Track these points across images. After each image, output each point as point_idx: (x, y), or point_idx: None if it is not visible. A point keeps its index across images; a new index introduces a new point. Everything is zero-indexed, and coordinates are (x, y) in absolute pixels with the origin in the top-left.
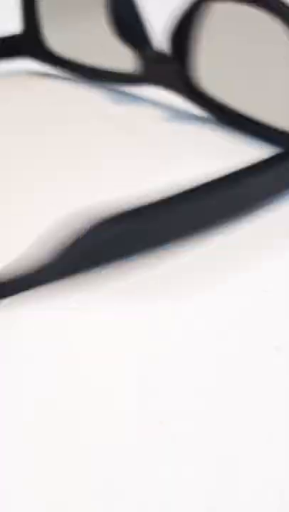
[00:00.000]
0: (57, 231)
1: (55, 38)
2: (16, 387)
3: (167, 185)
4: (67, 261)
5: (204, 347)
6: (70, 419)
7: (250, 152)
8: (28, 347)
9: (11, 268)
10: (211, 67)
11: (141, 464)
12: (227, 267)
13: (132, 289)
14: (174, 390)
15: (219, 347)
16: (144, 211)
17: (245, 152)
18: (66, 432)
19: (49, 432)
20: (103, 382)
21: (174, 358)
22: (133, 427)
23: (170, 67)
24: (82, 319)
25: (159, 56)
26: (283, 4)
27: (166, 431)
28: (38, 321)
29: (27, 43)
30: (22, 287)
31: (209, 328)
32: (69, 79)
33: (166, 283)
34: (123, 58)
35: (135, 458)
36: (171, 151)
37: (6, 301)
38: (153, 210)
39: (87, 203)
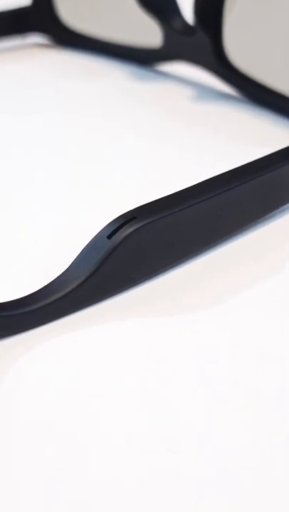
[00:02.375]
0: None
1: (69, 11)
2: (24, 411)
3: (198, 173)
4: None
5: (216, 372)
6: (74, 446)
7: (282, 134)
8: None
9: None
10: (243, 40)
11: (148, 495)
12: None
13: (138, 307)
14: (183, 416)
15: (232, 373)
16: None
17: (276, 135)
18: (70, 459)
19: (53, 458)
20: (109, 408)
21: (185, 383)
22: (139, 454)
23: (199, 40)
24: (87, 341)
25: (187, 28)
26: None
27: (175, 459)
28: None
29: (38, 17)
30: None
31: (222, 353)
32: (84, 55)
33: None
34: (146, 32)
35: (142, 489)
36: (199, 132)
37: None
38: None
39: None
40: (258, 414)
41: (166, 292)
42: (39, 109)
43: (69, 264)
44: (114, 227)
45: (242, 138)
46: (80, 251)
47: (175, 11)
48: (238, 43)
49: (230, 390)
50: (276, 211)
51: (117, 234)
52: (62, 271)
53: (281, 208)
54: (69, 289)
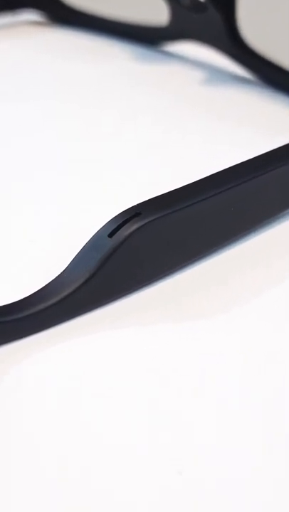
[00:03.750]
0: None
1: None
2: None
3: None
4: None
5: (226, 384)
6: (81, 468)
7: None
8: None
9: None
10: (259, 17)
11: None
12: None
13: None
14: (193, 437)
15: (244, 384)
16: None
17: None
18: (77, 482)
19: (60, 481)
20: (111, 425)
21: (193, 396)
22: (148, 477)
23: (210, 18)
24: (85, 351)
25: (197, 4)
26: None
27: (185, 482)
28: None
29: None
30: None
31: (233, 364)
32: (82, 34)
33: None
34: (151, 8)
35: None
36: (210, 119)
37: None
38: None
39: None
40: (272, 430)
41: (173, 297)
42: (32, 95)
43: (66, 266)
44: (116, 224)
45: (257, 125)
46: (78, 251)
47: None
48: (253, 21)
49: (241, 403)
50: None
51: (119, 232)
52: (59, 273)
53: None
54: (66, 293)
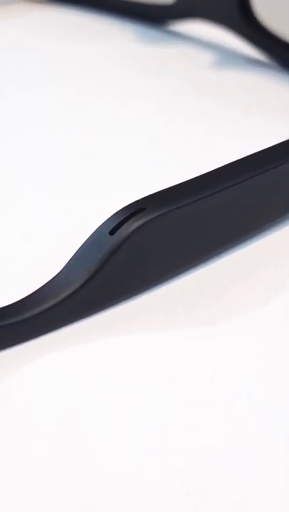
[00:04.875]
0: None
1: None
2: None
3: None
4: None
5: (236, 403)
6: (84, 488)
7: None
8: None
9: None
10: None
11: None
12: None
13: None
14: (201, 457)
15: (253, 403)
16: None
17: None
18: (81, 504)
19: (63, 503)
20: (118, 446)
21: (203, 415)
22: (155, 499)
23: None
24: (85, 359)
25: None
26: None
27: (193, 504)
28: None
29: None
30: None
31: (247, 373)
32: (83, 13)
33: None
34: None
35: None
36: (221, 105)
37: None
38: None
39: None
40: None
41: (181, 300)
42: (26, 79)
43: (62, 266)
44: (118, 220)
45: (272, 113)
46: (77, 249)
47: None
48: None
49: (254, 417)
50: None
51: (121, 229)
52: (55, 274)
53: None
54: (62, 296)
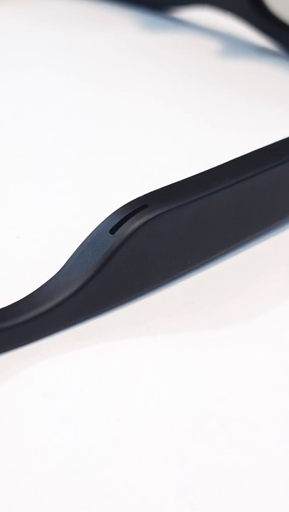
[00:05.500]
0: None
1: None
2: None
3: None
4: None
5: (238, 416)
6: (90, 500)
7: None
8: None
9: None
10: None
11: None
12: None
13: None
14: (206, 468)
15: (257, 418)
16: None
17: None
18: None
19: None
20: (117, 453)
21: (206, 428)
22: (159, 510)
23: None
24: (85, 365)
25: None
26: None
27: None
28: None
29: None
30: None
31: (261, 382)
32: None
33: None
34: None
35: None
36: (228, 96)
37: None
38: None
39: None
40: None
41: (184, 303)
42: (28, 67)
43: (61, 267)
44: (119, 218)
45: (282, 103)
46: (76, 249)
47: None
48: None
49: (262, 425)
50: None
51: (122, 227)
52: (53, 274)
53: None
54: (61, 297)
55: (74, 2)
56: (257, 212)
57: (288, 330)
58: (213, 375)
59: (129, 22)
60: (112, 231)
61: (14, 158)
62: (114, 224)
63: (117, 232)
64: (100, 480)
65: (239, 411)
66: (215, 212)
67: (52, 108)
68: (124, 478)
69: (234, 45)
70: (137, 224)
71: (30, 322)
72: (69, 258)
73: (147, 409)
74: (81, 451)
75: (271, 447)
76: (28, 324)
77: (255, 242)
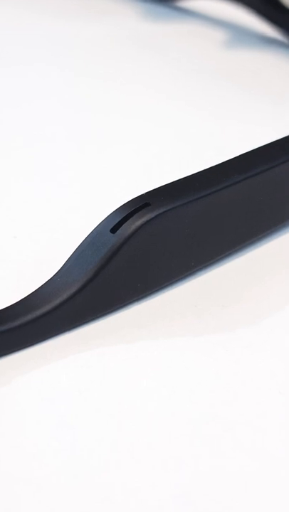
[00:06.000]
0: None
1: None
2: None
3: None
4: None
5: (243, 425)
6: (88, 505)
7: None
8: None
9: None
10: None
11: None
12: None
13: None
14: (209, 473)
15: (261, 426)
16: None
17: None
18: None
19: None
20: (121, 462)
21: (210, 436)
22: None
23: None
24: (84, 370)
25: None
26: None
27: None
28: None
29: None
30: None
31: (266, 392)
32: None
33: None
34: None
35: None
36: (234, 88)
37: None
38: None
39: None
40: None
41: (188, 305)
42: (27, 60)
43: (59, 268)
44: (120, 217)
45: None
46: (75, 249)
47: None
48: None
49: (266, 432)
50: None
51: (124, 226)
52: (51, 275)
53: None
54: (60, 299)
55: None
56: (266, 210)
57: None
58: (218, 380)
59: (131, 11)
60: (113, 230)
61: (13, 151)
62: (115, 223)
63: (118, 232)
64: (99, 484)
65: (244, 415)
66: (222, 210)
67: (51, 101)
68: (123, 483)
69: (240, 35)
70: (139, 223)
71: (26, 326)
72: (68, 259)
73: (149, 415)
74: (80, 456)
75: (276, 452)
76: (25, 328)
77: (261, 242)
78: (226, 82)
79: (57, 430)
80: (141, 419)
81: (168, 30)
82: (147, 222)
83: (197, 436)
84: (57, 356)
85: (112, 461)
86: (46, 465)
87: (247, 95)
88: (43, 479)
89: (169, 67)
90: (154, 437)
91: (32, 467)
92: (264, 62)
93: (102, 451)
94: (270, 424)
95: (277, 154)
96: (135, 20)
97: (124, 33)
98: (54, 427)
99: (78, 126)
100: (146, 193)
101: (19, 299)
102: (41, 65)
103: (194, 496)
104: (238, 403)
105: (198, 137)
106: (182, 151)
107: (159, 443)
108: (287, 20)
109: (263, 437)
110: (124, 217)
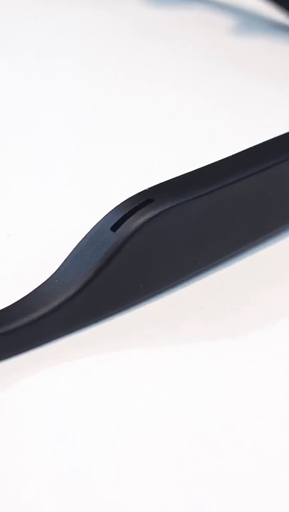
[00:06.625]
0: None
1: None
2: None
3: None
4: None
5: (253, 433)
6: (88, 506)
7: None
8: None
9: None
10: None
11: None
12: None
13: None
14: (202, 476)
15: (272, 433)
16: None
17: None
18: None
19: None
20: (117, 470)
21: (221, 449)
22: None
23: None
24: (84, 376)
25: None
26: None
27: None
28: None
29: None
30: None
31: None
32: None
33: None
34: None
35: None
36: (244, 78)
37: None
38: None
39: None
40: None
41: (193, 308)
42: (24, 52)
43: (57, 268)
44: (122, 214)
45: None
46: (73, 248)
47: None
48: None
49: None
50: None
51: (125, 224)
52: (48, 276)
53: None
54: (58, 301)
55: None
56: (277, 206)
57: None
58: (226, 387)
59: None
60: (114, 228)
61: (13, 151)
62: (116, 220)
63: (120, 230)
64: (98, 486)
65: (252, 422)
66: (229, 206)
67: (51, 95)
68: (123, 485)
69: (249, 22)
70: (141, 220)
71: (22, 329)
72: (66, 258)
73: (153, 428)
74: (78, 467)
75: (283, 456)
76: (20, 331)
77: (271, 241)
78: (233, 70)
79: (53, 445)
80: (144, 431)
81: (172, 16)
82: (150, 219)
83: (209, 446)
84: (54, 362)
85: (111, 467)
86: (44, 475)
87: (256, 84)
88: (41, 483)
89: (173, 56)
90: (158, 453)
91: (29, 476)
92: (273, 48)
93: (101, 461)
94: (284, 431)
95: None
96: (137, 5)
97: (125, 20)
98: (50, 440)
99: (79, 120)
100: (149, 188)
101: (14, 301)
102: (40, 55)
103: (194, 496)
104: (247, 412)
105: (205, 129)
106: (187, 145)
107: (165, 454)
108: None
109: (278, 444)
110: (125, 215)
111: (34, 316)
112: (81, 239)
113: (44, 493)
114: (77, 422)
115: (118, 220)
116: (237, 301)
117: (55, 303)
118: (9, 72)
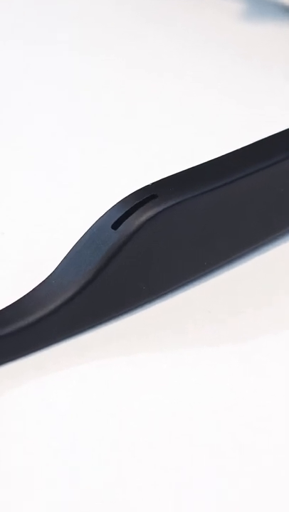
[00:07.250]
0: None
1: None
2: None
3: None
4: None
5: (261, 440)
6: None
7: None
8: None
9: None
10: None
11: None
12: None
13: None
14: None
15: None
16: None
17: None
18: None
19: None
20: (115, 476)
21: (233, 462)
22: None
23: None
24: (83, 383)
25: None
26: None
27: None
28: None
29: None
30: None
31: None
32: None
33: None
34: None
35: None
36: (254, 66)
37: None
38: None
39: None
40: None
41: (202, 310)
42: (22, 35)
43: (55, 268)
44: (123, 211)
45: None
46: (73, 246)
47: None
48: None
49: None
50: None
51: (127, 221)
52: (45, 276)
53: None
54: (55, 304)
55: None
56: (287, 203)
57: None
58: (235, 394)
59: None
60: (115, 226)
61: (13, 150)
62: (117, 218)
63: (121, 228)
64: (98, 486)
65: (262, 430)
66: (237, 203)
67: (50, 87)
68: (123, 486)
69: (259, 5)
70: (144, 218)
71: (18, 333)
72: (64, 258)
73: (157, 438)
74: (78, 472)
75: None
76: (16, 336)
77: (281, 240)
78: (242, 59)
79: (49, 447)
80: (146, 439)
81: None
82: (154, 217)
83: (216, 456)
84: (52, 369)
85: (112, 471)
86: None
87: (263, 72)
88: (41, 483)
89: (182, 40)
90: (161, 464)
91: (27, 481)
92: (285, 35)
93: (102, 464)
94: None
95: None
96: None
97: (126, 4)
98: (46, 445)
99: (78, 113)
100: (152, 183)
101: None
102: (38, 40)
103: (194, 496)
104: (255, 420)
105: (210, 121)
106: (192, 138)
107: (159, 460)
108: None
109: (283, 449)
110: (127, 212)
111: (30, 319)
112: (80, 237)
113: (44, 493)
114: (77, 435)
115: (119, 218)
116: (246, 304)
117: (52, 305)
118: (8, 63)
